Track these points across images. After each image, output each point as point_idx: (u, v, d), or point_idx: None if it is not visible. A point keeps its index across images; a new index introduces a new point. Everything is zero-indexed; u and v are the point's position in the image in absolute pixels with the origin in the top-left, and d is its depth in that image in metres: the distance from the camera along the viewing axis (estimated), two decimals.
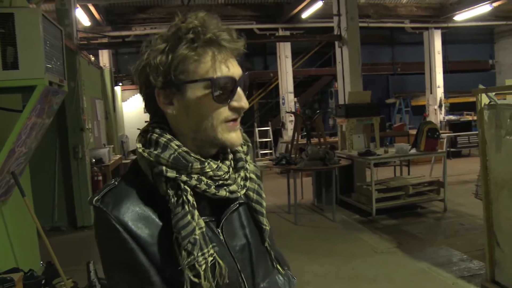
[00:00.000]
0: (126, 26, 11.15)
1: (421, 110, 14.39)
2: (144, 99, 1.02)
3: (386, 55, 16.40)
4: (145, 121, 1.10)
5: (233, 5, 11.40)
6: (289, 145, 8.89)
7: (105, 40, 10.44)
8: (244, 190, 1.05)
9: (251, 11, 11.59)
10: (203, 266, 0.93)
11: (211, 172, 0.97)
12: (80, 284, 4.18)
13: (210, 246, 0.95)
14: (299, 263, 4.73)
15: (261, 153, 13.60)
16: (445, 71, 13.76)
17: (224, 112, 0.96)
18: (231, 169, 1.03)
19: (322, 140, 8.12)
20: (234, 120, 0.99)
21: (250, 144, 1.13)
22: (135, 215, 0.94)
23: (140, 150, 0.98)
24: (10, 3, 3.66)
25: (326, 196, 7.33)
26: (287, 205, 7.24)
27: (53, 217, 6.92)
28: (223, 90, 0.95)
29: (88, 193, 7.02)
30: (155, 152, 0.95)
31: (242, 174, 1.05)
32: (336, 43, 8.42)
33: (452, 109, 13.90)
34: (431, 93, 13.36)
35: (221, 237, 1.02)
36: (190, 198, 0.94)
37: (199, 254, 0.92)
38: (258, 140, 13.86)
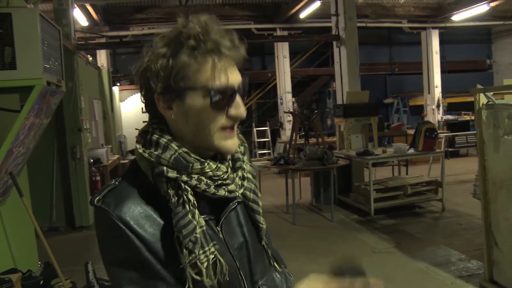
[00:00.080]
0: (124, 26, 11.14)
1: (419, 110, 14.39)
2: (144, 101, 1.03)
3: (384, 55, 16.40)
4: (143, 121, 1.10)
5: (231, 5, 11.39)
6: (287, 145, 8.90)
7: (103, 40, 10.41)
8: (242, 190, 1.07)
9: (249, 11, 11.58)
10: (205, 264, 0.94)
11: (210, 172, 0.99)
12: (79, 284, 4.17)
13: (211, 244, 0.97)
14: (298, 263, 4.72)
15: (259, 153, 13.59)
16: (442, 71, 13.76)
17: (221, 119, 0.98)
18: (229, 169, 1.04)
19: (320, 140, 8.11)
20: (231, 127, 1.00)
21: (246, 145, 1.15)
22: (137, 214, 0.95)
23: (141, 151, 0.99)
24: (8, 3, 3.64)
25: (324, 196, 7.33)
26: (285, 205, 7.24)
27: (51, 217, 6.91)
28: (222, 98, 0.96)
29: (86, 193, 7.01)
30: (156, 152, 0.97)
31: (240, 174, 1.07)
32: (334, 43, 8.43)
33: (450, 109, 13.91)
34: (429, 93, 13.37)
35: (221, 236, 1.03)
36: (190, 197, 0.95)
37: (201, 252, 0.94)
38: (256, 140, 13.85)
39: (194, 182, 0.97)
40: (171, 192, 0.96)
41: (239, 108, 0.99)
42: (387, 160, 7.63)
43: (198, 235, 0.94)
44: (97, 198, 0.97)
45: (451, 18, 11.93)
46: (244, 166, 1.10)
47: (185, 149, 0.98)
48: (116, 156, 9.06)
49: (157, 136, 0.99)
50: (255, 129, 13.91)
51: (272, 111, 15.58)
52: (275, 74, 13.47)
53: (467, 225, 5.98)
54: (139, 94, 1.05)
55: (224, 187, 1.01)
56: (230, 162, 1.06)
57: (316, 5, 10.12)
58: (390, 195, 6.72)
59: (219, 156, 1.04)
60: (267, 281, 1.11)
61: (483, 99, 3.83)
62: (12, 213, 4.20)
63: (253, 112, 16.13)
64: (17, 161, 3.72)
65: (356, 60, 8.06)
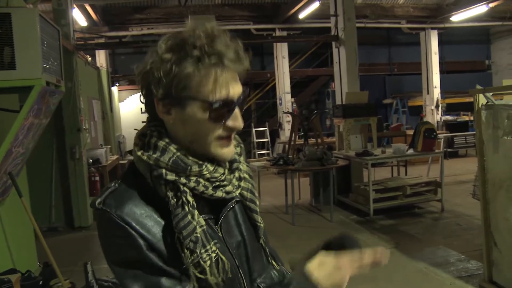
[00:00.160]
0: (123, 27, 11.14)
1: (418, 111, 14.40)
2: (144, 102, 1.04)
3: (383, 55, 16.41)
4: (142, 121, 1.11)
5: (230, 6, 11.39)
6: (286, 146, 8.89)
7: (102, 41, 10.42)
8: (239, 190, 1.09)
9: (248, 11, 11.58)
10: (208, 262, 0.96)
11: (208, 174, 1.00)
12: (78, 284, 4.16)
13: (212, 243, 0.99)
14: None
15: (258, 154, 13.59)
16: (441, 72, 13.79)
17: (219, 130, 1.00)
18: (226, 170, 1.06)
19: (319, 140, 8.11)
20: (228, 137, 1.02)
21: (242, 145, 1.16)
22: (138, 215, 0.97)
23: (139, 154, 1.00)
24: (7, 3, 3.64)
25: (323, 197, 7.33)
26: (284, 206, 7.24)
27: (50, 218, 6.90)
28: (221, 111, 0.98)
29: (85, 194, 7.00)
30: (155, 155, 0.98)
31: (236, 174, 1.09)
32: (333, 43, 8.43)
33: (449, 109, 13.92)
34: (428, 93, 13.38)
35: (220, 234, 1.05)
36: (190, 199, 0.97)
37: (203, 251, 0.96)
38: (255, 140, 13.85)
39: (192, 184, 0.98)
40: (170, 194, 0.97)
41: (236, 120, 1.01)
42: (386, 160, 7.63)
43: (198, 235, 0.96)
44: (98, 201, 0.98)
45: (450, 18, 11.94)
46: (241, 166, 1.12)
47: (183, 152, 1.00)
48: (115, 157, 9.05)
49: (156, 139, 1.00)
50: (254, 130, 13.91)
51: (271, 112, 15.58)
52: (274, 75, 13.47)
53: (466, 225, 5.98)
54: (138, 94, 1.06)
55: (221, 188, 1.03)
56: (227, 163, 1.07)
57: (315, 6, 10.13)
58: (389, 196, 6.72)
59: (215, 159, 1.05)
60: (265, 279, 1.13)
61: (482, 100, 3.83)
62: (11, 214, 4.20)
63: (252, 113, 16.12)
64: (16, 161, 3.71)
65: (355, 60, 8.07)
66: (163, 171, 0.97)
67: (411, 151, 6.93)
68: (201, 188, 0.99)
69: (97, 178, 7.32)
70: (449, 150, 11.92)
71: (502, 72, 15.93)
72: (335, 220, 6.61)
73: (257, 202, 1.16)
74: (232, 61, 0.97)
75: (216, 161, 1.04)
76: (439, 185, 6.90)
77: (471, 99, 3.97)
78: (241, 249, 1.09)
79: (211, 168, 1.01)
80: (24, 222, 4.36)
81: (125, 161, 9.55)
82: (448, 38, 15.11)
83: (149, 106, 1.03)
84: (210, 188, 1.01)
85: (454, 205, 6.94)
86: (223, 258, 1.00)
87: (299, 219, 6.73)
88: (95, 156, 7.65)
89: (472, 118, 12.76)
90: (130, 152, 1.06)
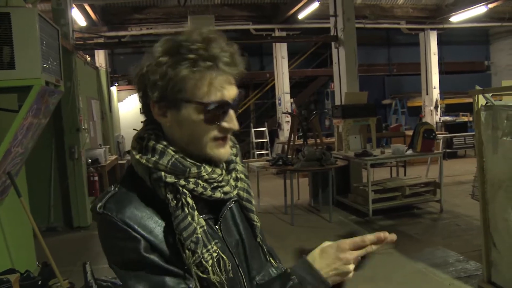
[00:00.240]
0: (122, 26, 11.13)
1: (417, 111, 14.41)
2: (141, 104, 1.06)
3: (382, 56, 16.41)
4: (141, 121, 1.12)
5: (229, 6, 11.39)
6: (286, 146, 8.89)
7: (101, 40, 10.41)
8: (236, 190, 1.11)
9: (247, 11, 11.58)
10: (210, 262, 0.98)
11: (206, 176, 1.02)
12: (77, 285, 4.16)
13: (213, 242, 1.01)
14: None
15: (257, 154, 13.59)
16: (440, 72, 13.80)
17: (214, 131, 1.02)
18: (224, 171, 1.08)
19: (318, 140, 8.11)
20: (223, 138, 1.04)
21: (238, 146, 1.19)
22: (139, 218, 0.98)
23: (138, 157, 1.02)
24: (6, 2, 3.63)
25: (322, 197, 7.33)
26: (283, 206, 7.24)
27: (49, 218, 6.89)
28: (215, 113, 0.99)
29: (84, 194, 7.00)
30: (153, 159, 1.00)
31: (233, 175, 1.12)
32: (333, 44, 8.43)
33: (448, 110, 13.93)
34: (427, 94, 13.40)
35: (220, 234, 1.07)
36: (189, 200, 0.99)
37: (204, 251, 0.98)
38: (254, 140, 13.85)
39: (191, 186, 1.00)
40: (169, 196, 0.99)
41: (231, 121, 1.03)
42: (385, 161, 7.63)
43: (199, 235, 0.98)
44: (98, 205, 0.99)
45: (449, 19, 11.96)
46: (237, 167, 1.14)
47: (181, 154, 1.01)
48: (114, 156, 9.05)
49: (154, 142, 1.02)
50: (253, 130, 13.90)
51: (270, 112, 15.58)
52: (273, 75, 13.47)
53: (465, 226, 5.99)
54: (137, 94, 1.06)
55: (219, 189, 1.05)
56: (224, 164, 1.10)
57: (314, 6, 10.13)
58: (388, 196, 6.72)
59: (212, 160, 1.06)
60: (264, 276, 1.15)
61: (481, 100, 3.84)
62: (10, 213, 4.19)
63: (251, 113, 16.13)
64: (15, 161, 3.71)
65: (354, 61, 8.07)
66: (162, 173, 0.99)
67: (410, 151, 6.93)
68: (200, 190, 1.01)
69: (96, 178, 7.31)
70: (448, 150, 11.93)
71: (501, 73, 15.94)
72: (334, 220, 6.61)
73: (253, 202, 1.18)
74: (227, 65, 0.98)
75: (213, 163, 1.06)
76: (438, 186, 6.90)
77: (470, 100, 3.97)
78: (239, 248, 1.11)
79: (209, 170, 1.03)
80: (23, 222, 4.36)
81: (124, 161, 9.56)
82: (447, 39, 15.12)
83: (146, 109, 1.05)
84: (209, 189, 1.03)
85: (453, 206, 6.95)
86: (224, 257, 1.01)
87: (298, 219, 6.73)
88: (94, 156, 7.65)
89: (471, 118, 12.77)
90: (129, 152, 1.07)
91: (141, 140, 1.04)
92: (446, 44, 15.40)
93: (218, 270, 0.99)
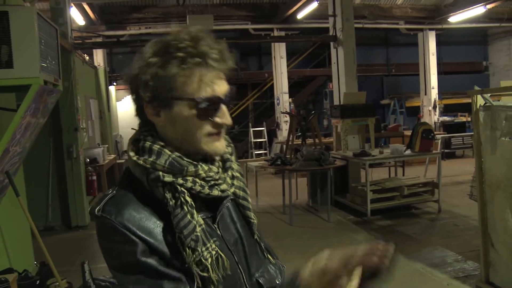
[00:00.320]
0: (121, 26, 11.11)
1: (415, 111, 14.43)
2: (135, 106, 1.08)
3: (381, 56, 16.44)
4: (132, 128, 1.15)
5: (228, 5, 11.38)
6: (284, 146, 8.89)
7: (100, 40, 10.40)
8: (233, 188, 1.12)
9: (246, 11, 11.57)
10: (209, 260, 0.99)
11: (203, 174, 1.03)
12: (75, 284, 4.16)
13: (212, 241, 1.02)
14: (295, 264, 4.70)
15: (255, 154, 13.59)
16: (439, 73, 13.81)
17: (207, 127, 1.02)
18: (220, 169, 1.10)
19: (317, 140, 8.11)
20: (218, 133, 1.05)
21: (232, 145, 1.19)
22: (138, 219, 0.99)
23: (135, 158, 1.03)
24: (5, 1, 3.62)
25: (321, 197, 7.33)
26: (282, 206, 7.24)
27: (47, 217, 6.88)
28: (207, 109, 1.00)
29: (82, 193, 6.99)
30: (151, 159, 1.01)
31: (229, 173, 1.12)
32: (331, 43, 8.42)
33: (446, 110, 13.95)
34: (425, 94, 13.40)
35: (218, 232, 1.08)
36: (188, 199, 1.00)
37: (203, 249, 0.98)
38: (253, 140, 13.85)
39: (189, 184, 1.01)
40: (168, 195, 0.99)
41: (224, 116, 1.04)
42: (383, 161, 7.63)
43: (198, 234, 0.99)
44: (97, 209, 1.00)
45: (448, 19, 11.96)
46: (233, 165, 1.15)
47: (178, 154, 1.02)
48: (113, 156, 9.04)
49: (150, 143, 1.03)
50: (251, 129, 13.90)
51: (269, 112, 15.58)
52: (272, 75, 13.47)
53: (464, 226, 5.99)
54: (130, 97, 1.08)
55: (216, 187, 1.06)
56: (220, 163, 1.11)
57: (313, 6, 10.12)
58: (386, 196, 6.72)
59: (209, 158, 1.08)
60: (263, 273, 1.16)
61: (480, 101, 3.84)
62: (8, 213, 4.18)
63: (250, 112, 16.13)
64: (13, 161, 3.70)
65: (353, 61, 8.06)
66: (160, 173, 0.99)
67: (408, 151, 6.94)
68: (197, 188, 1.02)
69: (94, 178, 7.30)
70: (446, 151, 11.93)
71: (499, 73, 15.97)
72: (332, 220, 6.61)
73: (249, 200, 1.19)
74: (216, 61, 1.00)
75: (210, 161, 1.08)
76: (436, 186, 6.91)
77: (469, 100, 3.97)
78: (238, 245, 1.12)
79: (206, 168, 1.04)
80: (21, 222, 4.34)
81: (122, 161, 9.55)
82: (446, 39, 15.14)
83: (140, 111, 1.06)
84: (206, 187, 1.03)
85: (451, 206, 6.96)
86: (223, 255, 1.02)
87: (297, 219, 6.73)
88: (92, 156, 7.64)
89: (469, 119, 12.78)
90: (126, 152, 1.07)
91: (137, 142, 1.05)
92: (444, 44, 15.42)
93: (217, 268, 1.00)
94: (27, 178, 4.89)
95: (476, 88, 3.89)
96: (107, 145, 9.31)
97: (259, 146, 14.25)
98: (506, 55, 15.92)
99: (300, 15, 11.04)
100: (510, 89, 4.07)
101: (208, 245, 1.00)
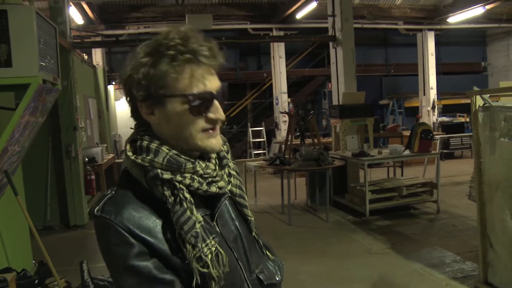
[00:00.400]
0: (120, 25, 11.10)
1: (414, 112, 14.44)
2: (130, 107, 1.09)
3: (380, 56, 16.45)
4: (130, 127, 1.15)
5: (227, 5, 11.38)
6: (283, 146, 8.89)
7: (99, 39, 10.38)
8: (230, 186, 1.15)
9: (245, 10, 11.57)
10: (209, 256, 1.00)
11: (201, 171, 1.05)
12: (73, 284, 4.15)
13: (211, 237, 1.03)
14: (294, 264, 4.72)
15: (254, 153, 13.59)
16: (438, 73, 13.82)
17: (201, 123, 1.03)
18: (217, 167, 1.11)
19: (316, 140, 8.11)
20: (212, 129, 1.06)
21: (228, 144, 1.21)
22: (137, 218, 0.99)
23: (133, 158, 1.03)
24: (3, 0, 3.61)
25: (319, 197, 7.34)
26: (280, 206, 7.24)
27: (45, 216, 6.87)
28: (200, 104, 1.02)
29: (81, 192, 6.98)
30: (149, 157, 1.02)
31: (226, 171, 1.14)
32: (330, 44, 8.43)
33: (445, 110, 13.96)
34: (424, 94, 13.41)
35: (217, 229, 1.09)
36: (187, 195, 1.01)
37: (203, 245, 0.99)
38: (251, 140, 13.85)
39: (187, 181, 1.02)
40: (167, 193, 1.00)
41: (217, 112, 1.05)
42: (382, 161, 7.64)
43: (198, 230, 1.00)
44: (96, 209, 1.01)
45: (447, 20, 11.97)
46: (229, 163, 1.17)
47: (175, 151, 1.03)
48: (111, 155, 9.03)
49: (147, 142, 1.04)
50: (250, 129, 13.91)
51: (268, 111, 15.59)
52: (271, 74, 13.47)
53: (462, 226, 6.00)
54: (125, 99, 1.10)
55: (214, 184, 1.07)
56: (216, 160, 1.12)
57: (312, 6, 10.13)
58: (385, 196, 6.72)
59: (205, 156, 1.10)
60: (263, 269, 1.18)
61: (479, 101, 3.84)
62: (7, 212, 4.17)
63: (249, 112, 16.13)
64: (12, 160, 3.69)
65: (352, 61, 8.06)
66: (159, 171, 1.00)
67: (407, 152, 6.94)
68: (196, 185, 1.03)
69: (93, 177, 7.29)
70: (445, 151, 11.95)
71: (498, 74, 16.00)
72: (331, 220, 6.61)
73: (246, 197, 1.20)
74: (206, 57, 1.01)
75: (206, 158, 1.09)
76: (435, 186, 6.91)
77: (467, 101, 3.98)
78: (238, 242, 1.13)
79: (203, 165, 1.06)
80: (20, 221, 4.34)
81: (121, 160, 9.50)
82: (444, 40, 15.15)
83: (135, 112, 1.08)
84: (204, 184, 1.05)
85: (450, 206, 6.96)
86: (222, 251, 1.03)
87: (295, 219, 6.73)
88: (91, 155, 7.63)
89: (468, 119, 12.80)
90: (124, 152, 1.08)
91: (134, 142, 1.06)
92: (443, 45, 15.44)
93: (217, 264, 1.01)
94: (26, 177, 4.89)
95: (475, 88, 3.89)
96: (105, 145, 9.30)
97: (257, 146, 14.26)
98: (505, 56, 15.94)
99: (299, 15, 11.05)
100: (509, 90, 4.07)
101: (208, 241, 1.01)
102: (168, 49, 0.99)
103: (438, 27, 12.59)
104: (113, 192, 1.04)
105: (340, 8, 8.01)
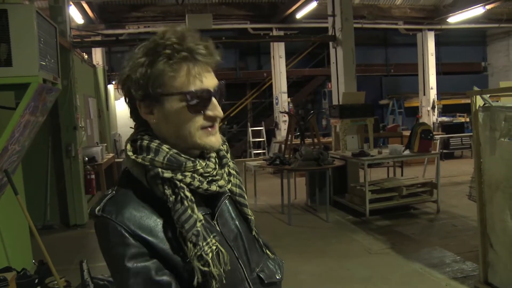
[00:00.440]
0: (120, 24, 11.10)
1: (414, 112, 14.44)
2: (129, 108, 1.10)
3: (380, 56, 16.45)
4: (130, 127, 1.15)
5: (227, 4, 11.38)
6: (283, 145, 8.89)
7: (99, 38, 10.38)
8: (230, 185, 1.15)
9: (245, 10, 11.57)
10: (210, 255, 1.00)
11: (201, 170, 1.05)
12: (73, 283, 4.15)
13: (212, 236, 1.03)
14: (294, 263, 4.72)
15: (254, 153, 13.59)
16: (438, 73, 13.81)
17: (200, 120, 1.04)
18: (217, 166, 1.11)
19: (316, 140, 8.11)
20: (211, 126, 1.06)
21: (227, 144, 1.21)
22: (138, 218, 1.00)
23: (133, 157, 1.04)
24: None
25: (319, 197, 7.34)
26: (280, 205, 7.24)
27: (45, 216, 6.87)
28: (198, 101, 1.02)
29: (80, 192, 6.98)
30: (149, 156, 1.02)
31: (226, 170, 1.14)
32: (331, 43, 8.42)
33: (445, 110, 13.96)
34: (424, 94, 13.41)
35: (218, 228, 1.10)
36: (187, 194, 1.02)
37: (204, 244, 1.00)
38: (251, 139, 13.86)
39: (188, 179, 1.02)
40: (168, 191, 1.01)
41: (215, 109, 1.05)
42: (382, 161, 7.64)
43: (199, 228, 1.00)
44: (97, 209, 1.01)
45: (447, 20, 11.97)
46: (229, 163, 1.17)
47: (175, 150, 1.04)
48: (111, 155, 9.03)
49: (147, 141, 1.04)
50: (250, 129, 13.91)
51: (268, 111, 15.59)
52: (271, 74, 13.47)
53: (462, 226, 6.00)
54: (123, 100, 1.10)
55: (214, 182, 1.07)
56: (216, 159, 1.13)
57: (312, 6, 10.13)
58: (385, 196, 6.72)
59: (205, 155, 1.10)
60: (263, 268, 1.18)
61: (479, 101, 3.84)
62: (7, 211, 4.17)
63: (249, 112, 16.13)
64: (12, 159, 3.69)
65: (352, 60, 8.06)
66: (159, 170, 1.01)
67: (407, 152, 6.94)
68: (196, 183, 1.03)
69: (93, 176, 7.28)
70: (444, 151, 11.95)
71: (498, 74, 16.00)
72: (331, 220, 6.61)
73: (245, 197, 1.20)
74: (202, 55, 1.02)
75: (206, 158, 1.10)
76: (435, 186, 6.91)
77: (467, 101, 3.99)
78: (238, 241, 1.13)
79: (203, 164, 1.06)
80: (20, 220, 4.34)
81: (121, 159, 9.54)
82: (444, 40, 15.15)
83: (134, 113, 1.08)
84: (205, 182, 1.05)
85: (449, 206, 6.96)
86: (223, 250, 1.03)
87: (295, 219, 6.73)
88: (90, 154, 7.63)
89: (468, 119, 12.80)
90: (124, 151, 1.08)
91: (135, 142, 1.07)
92: (443, 45, 15.43)
93: (217, 263, 1.01)
94: (26, 176, 4.89)
95: (476, 88, 3.88)
96: (105, 144, 9.30)
97: (257, 145, 14.26)
98: (505, 56, 15.94)
99: (299, 15, 11.05)
100: (509, 90, 4.07)
101: (209, 240, 1.01)
102: (165, 48, 1.00)
103: (438, 27, 12.59)
104: (114, 192, 1.04)
105: (340, 8, 8.01)
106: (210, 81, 1.04)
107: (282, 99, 12.73)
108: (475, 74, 16.46)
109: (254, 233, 1.21)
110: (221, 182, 1.09)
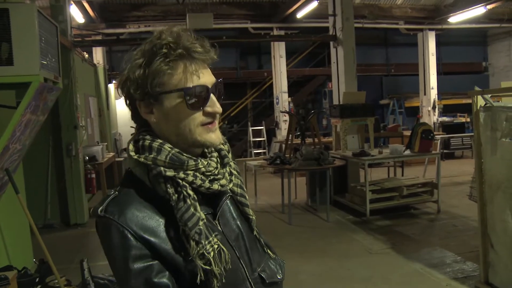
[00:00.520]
0: (121, 24, 11.10)
1: (414, 112, 14.43)
2: (129, 109, 1.11)
3: (380, 56, 16.44)
4: (131, 126, 1.16)
5: (228, 4, 11.38)
6: (283, 145, 8.89)
7: (99, 38, 10.38)
8: (232, 184, 1.16)
9: (246, 10, 11.57)
10: (212, 254, 1.01)
11: (203, 168, 1.06)
12: (74, 282, 4.15)
13: (213, 235, 1.04)
14: (294, 263, 4.72)
15: (254, 153, 13.59)
16: (438, 73, 13.81)
17: (199, 117, 1.05)
18: (218, 165, 1.13)
19: (316, 140, 8.11)
20: (211, 123, 1.07)
21: (228, 144, 1.22)
22: (141, 218, 1.00)
23: (136, 157, 1.05)
24: None
25: (320, 196, 7.34)
26: (281, 205, 7.23)
27: (45, 215, 6.87)
28: (196, 98, 1.03)
29: (81, 191, 6.98)
30: (151, 156, 1.03)
31: (228, 169, 1.15)
32: (331, 43, 8.42)
33: (446, 110, 13.95)
34: (424, 94, 13.41)
35: (219, 228, 1.11)
36: (190, 192, 1.03)
37: (206, 242, 1.01)
38: (252, 139, 13.85)
39: (190, 178, 1.03)
40: (170, 190, 1.01)
41: (214, 105, 1.06)
42: (383, 161, 7.64)
43: (201, 227, 1.01)
44: (99, 209, 1.01)
45: (448, 20, 11.96)
46: (230, 162, 1.18)
47: (177, 149, 1.05)
48: (112, 154, 9.03)
49: (149, 141, 1.05)
50: (250, 128, 13.91)
51: (268, 111, 15.58)
52: (271, 74, 13.47)
53: (463, 226, 6.00)
54: (124, 101, 1.12)
55: (216, 181, 1.08)
56: (218, 159, 1.14)
57: (313, 5, 10.13)
58: (385, 196, 6.72)
59: (207, 154, 1.12)
60: (265, 268, 1.19)
61: (480, 101, 3.84)
62: (8, 210, 4.18)
63: (249, 111, 16.12)
64: (13, 158, 3.69)
65: (353, 60, 8.06)
66: (162, 168, 1.01)
67: (408, 152, 6.94)
68: (198, 182, 1.04)
69: (93, 175, 7.29)
70: (445, 151, 11.94)
71: (499, 74, 15.99)
72: (331, 220, 6.61)
73: (247, 196, 1.21)
74: (199, 53, 1.04)
75: (208, 157, 1.11)
76: (435, 186, 6.91)
77: (468, 101, 3.99)
78: (239, 241, 1.14)
79: (205, 163, 1.07)
80: (20, 219, 4.34)
81: (121, 159, 9.55)
82: (445, 40, 15.15)
83: (135, 113, 1.10)
84: (207, 181, 1.06)
85: (450, 206, 6.96)
86: (224, 249, 1.04)
87: (296, 218, 6.73)
88: (91, 153, 7.63)
89: (468, 119, 12.80)
90: (125, 150, 1.09)
91: (136, 142, 1.08)
92: (444, 44, 15.43)
93: (219, 261, 1.02)
94: (27, 175, 4.89)
95: (477, 88, 3.88)
96: (106, 143, 9.30)
97: (258, 145, 14.26)
98: (506, 56, 15.93)
99: (299, 14, 11.05)
100: (511, 90, 4.07)
101: (211, 238, 1.02)
102: (161, 48, 1.01)
103: (439, 27, 12.59)
104: (116, 192, 1.05)
105: (341, 7, 8.00)
106: (207, 78, 1.05)
107: (282, 98, 12.73)
108: (476, 74, 16.45)
109: (255, 233, 1.21)
110: (223, 181, 1.10)
